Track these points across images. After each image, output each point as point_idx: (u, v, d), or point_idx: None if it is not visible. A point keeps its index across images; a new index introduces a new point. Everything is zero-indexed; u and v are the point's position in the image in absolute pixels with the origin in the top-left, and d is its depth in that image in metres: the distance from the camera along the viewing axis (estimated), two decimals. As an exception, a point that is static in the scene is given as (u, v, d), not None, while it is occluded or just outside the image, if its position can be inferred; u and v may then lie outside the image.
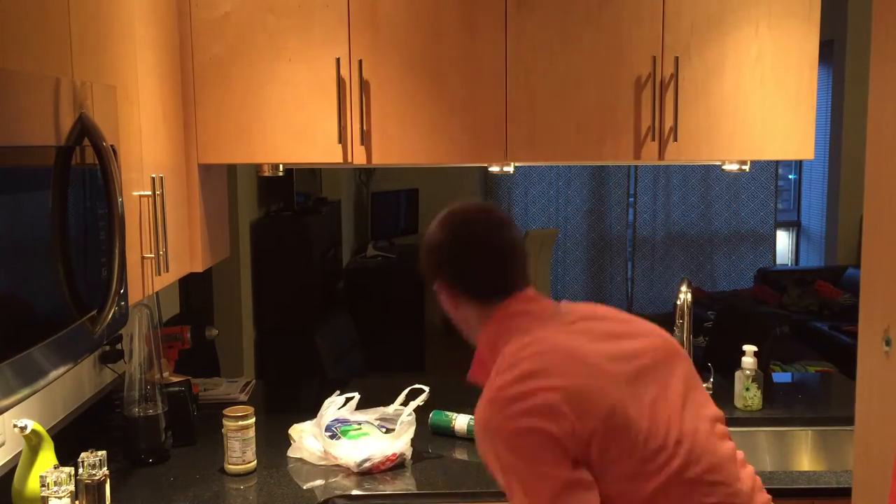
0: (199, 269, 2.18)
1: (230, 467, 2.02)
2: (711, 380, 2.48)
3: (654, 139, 2.25)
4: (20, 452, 1.70)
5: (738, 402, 2.42)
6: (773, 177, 7.13)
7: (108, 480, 1.69)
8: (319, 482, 1.98)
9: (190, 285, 3.40)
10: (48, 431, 1.73)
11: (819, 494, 1.94)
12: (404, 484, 1.98)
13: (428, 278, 1.54)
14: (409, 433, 2.09)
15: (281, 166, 2.31)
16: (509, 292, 1.49)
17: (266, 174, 2.31)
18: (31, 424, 1.64)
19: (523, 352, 1.39)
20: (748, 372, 2.41)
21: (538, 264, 6.59)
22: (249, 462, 2.03)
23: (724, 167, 2.39)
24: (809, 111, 2.26)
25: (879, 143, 1.18)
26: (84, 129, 1.30)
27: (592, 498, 1.29)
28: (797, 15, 2.24)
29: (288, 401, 2.75)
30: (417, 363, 5.90)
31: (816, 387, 2.90)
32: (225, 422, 2.02)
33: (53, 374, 1.19)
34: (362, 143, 2.20)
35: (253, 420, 2.03)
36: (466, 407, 2.49)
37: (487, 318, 1.51)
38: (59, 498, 1.54)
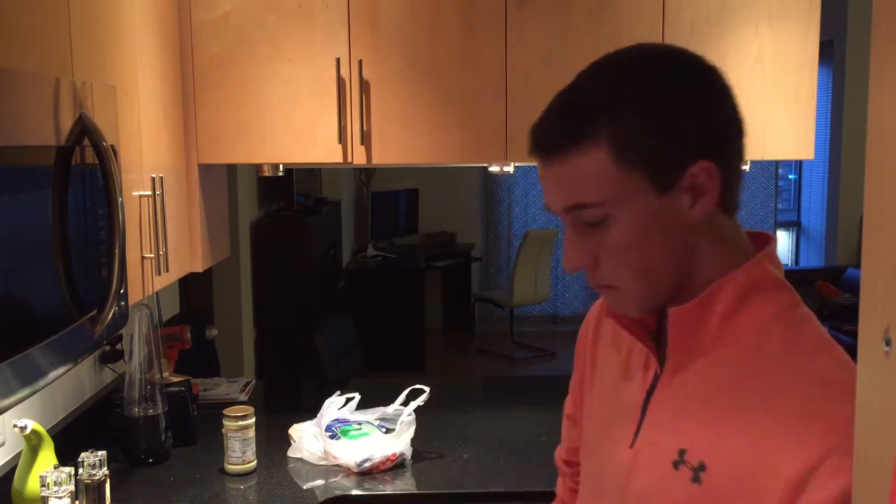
0: (199, 269, 2.18)
1: (230, 467, 2.02)
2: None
3: (654, 139, 2.24)
4: (20, 452, 1.70)
5: (738, 402, 2.42)
6: (773, 177, 7.13)
7: (108, 480, 1.69)
8: (319, 482, 1.98)
9: (190, 285, 3.41)
10: (48, 431, 1.73)
11: (819, 494, 1.94)
12: (404, 484, 1.98)
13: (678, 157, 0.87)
14: (409, 433, 2.09)
15: (281, 166, 2.31)
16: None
17: (266, 174, 2.31)
18: (31, 424, 1.65)
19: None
20: (748, 372, 2.40)
21: (538, 264, 6.60)
22: (249, 462, 2.03)
23: (724, 167, 2.39)
24: (809, 111, 2.26)
25: (879, 142, 1.18)
26: (84, 129, 1.30)
27: None
28: (797, 15, 2.24)
29: (288, 401, 2.75)
30: (417, 363, 5.91)
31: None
32: (225, 422, 2.02)
33: (53, 374, 1.19)
34: (362, 143, 2.20)
35: (253, 420, 2.04)
36: (467, 406, 2.49)
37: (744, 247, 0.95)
38: (59, 498, 1.54)
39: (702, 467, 0.85)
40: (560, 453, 1.28)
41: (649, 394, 0.96)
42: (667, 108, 0.86)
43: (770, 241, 0.97)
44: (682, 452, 0.88)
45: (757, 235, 0.98)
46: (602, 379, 1.08)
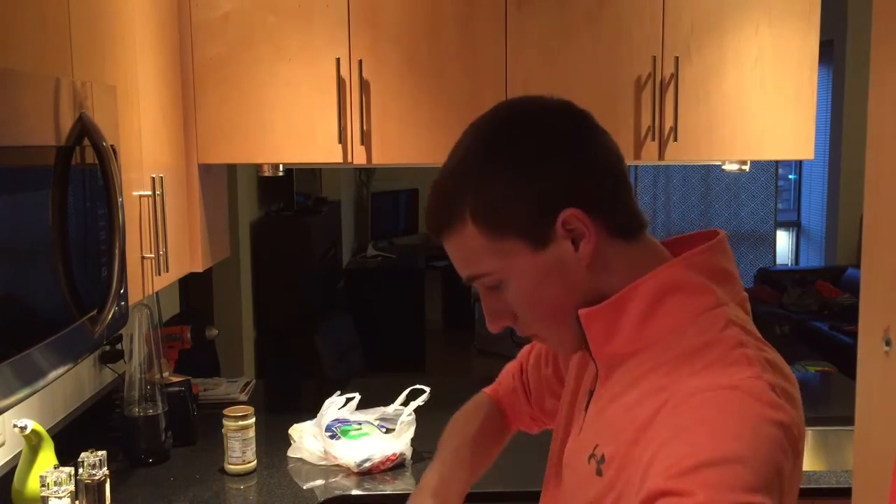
0: (199, 269, 2.18)
1: (230, 467, 2.02)
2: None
3: (654, 139, 2.24)
4: (20, 452, 1.70)
5: (738, 402, 2.42)
6: (773, 177, 7.13)
7: (108, 480, 1.69)
8: (319, 482, 1.98)
9: (190, 285, 3.40)
10: (48, 431, 1.73)
11: (819, 494, 1.94)
12: (404, 484, 1.98)
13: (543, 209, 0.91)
14: (409, 433, 2.09)
15: (281, 166, 2.31)
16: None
17: (266, 174, 2.31)
18: (31, 424, 1.64)
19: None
20: (748, 372, 2.40)
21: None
22: (249, 462, 2.03)
23: (724, 167, 2.39)
24: (809, 111, 2.26)
25: (879, 142, 1.18)
26: (84, 129, 1.30)
27: None
28: (797, 15, 2.24)
29: (288, 401, 2.75)
30: (417, 363, 5.91)
31: (816, 387, 2.90)
32: (225, 422, 2.02)
33: (53, 374, 1.19)
34: (362, 143, 2.20)
35: (253, 420, 2.03)
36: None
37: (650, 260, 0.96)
38: (59, 498, 1.54)
39: (602, 460, 0.90)
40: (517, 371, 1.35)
41: (591, 395, 1.01)
42: (520, 172, 0.91)
43: (707, 238, 0.98)
44: (595, 447, 0.93)
45: (696, 237, 1.00)
46: (568, 380, 1.14)
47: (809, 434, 2.41)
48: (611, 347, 0.94)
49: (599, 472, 0.90)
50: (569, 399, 1.11)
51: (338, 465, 2.03)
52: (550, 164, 0.91)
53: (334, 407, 2.16)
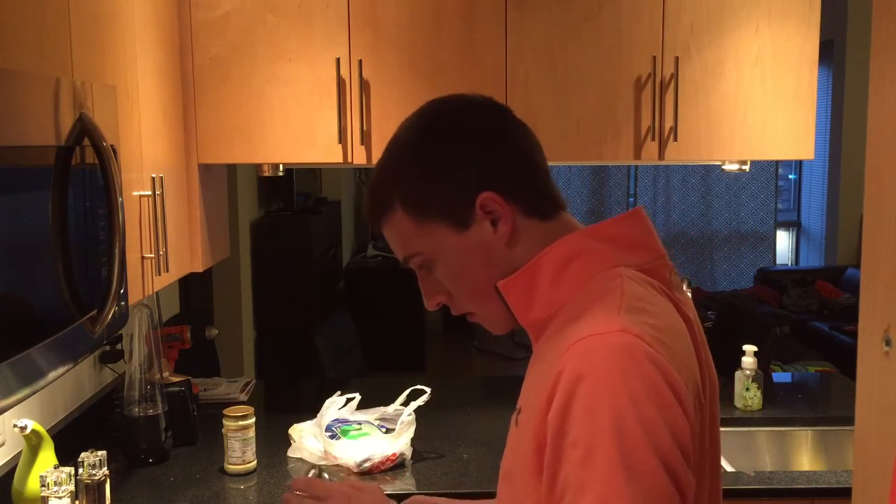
0: (199, 269, 2.18)
1: (230, 467, 2.02)
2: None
3: (654, 139, 2.25)
4: (20, 452, 1.70)
5: (738, 402, 2.42)
6: (773, 177, 7.13)
7: (108, 480, 1.69)
8: (319, 482, 1.98)
9: (190, 285, 3.41)
10: (48, 431, 1.73)
11: (819, 494, 1.94)
12: (404, 484, 1.98)
13: (460, 192, 1.01)
14: (409, 433, 2.09)
15: (281, 166, 2.31)
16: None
17: (266, 174, 2.31)
18: (31, 424, 1.64)
19: None
20: (748, 372, 2.41)
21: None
22: (249, 462, 2.03)
23: (724, 167, 2.39)
24: (809, 111, 2.26)
25: (879, 142, 1.18)
26: (84, 129, 1.30)
27: None
28: (797, 15, 2.24)
29: (288, 401, 2.75)
30: (417, 363, 5.90)
31: (816, 387, 2.90)
32: (225, 422, 2.02)
33: (53, 374, 1.19)
34: (362, 143, 2.20)
35: (253, 420, 2.04)
36: (467, 406, 2.49)
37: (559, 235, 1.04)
38: (59, 498, 1.54)
39: (519, 411, 1.00)
40: None
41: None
42: (438, 167, 1.02)
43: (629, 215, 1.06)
44: (518, 406, 1.01)
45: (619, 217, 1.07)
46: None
47: (809, 434, 2.41)
48: (532, 314, 1.02)
49: (517, 423, 0.98)
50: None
51: (338, 465, 2.03)
52: (462, 156, 1.01)
53: (334, 407, 2.16)
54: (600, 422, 0.84)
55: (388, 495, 1.23)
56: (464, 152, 1.02)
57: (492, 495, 1.14)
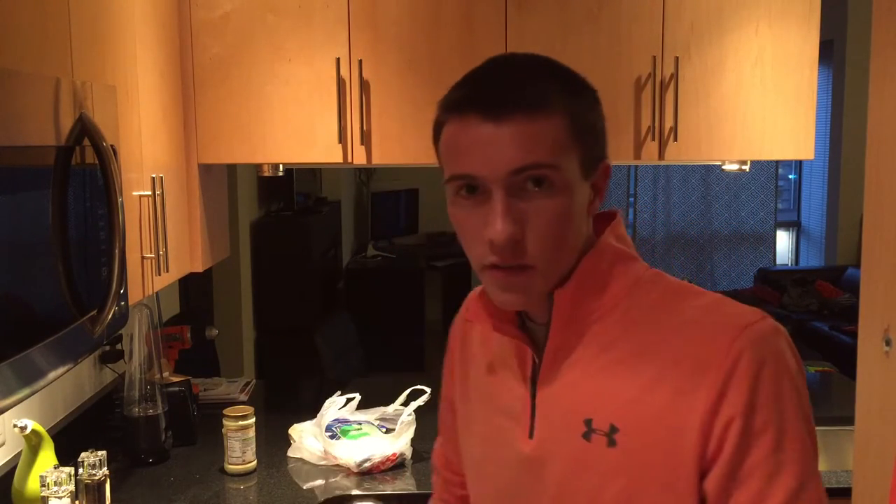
0: (199, 269, 2.18)
1: (230, 467, 2.02)
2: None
3: (654, 139, 2.25)
4: (20, 452, 1.70)
5: (738, 402, 2.42)
6: (773, 177, 7.13)
7: (108, 480, 1.69)
8: (319, 482, 1.98)
9: (190, 285, 3.41)
10: (48, 431, 1.73)
11: (819, 494, 1.94)
12: (404, 484, 1.98)
13: (593, 155, 0.96)
14: (409, 433, 2.09)
15: (281, 166, 2.31)
16: None
17: (266, 174, 2.31)
18: (31, 424, 1.64)
19: None
20: (748, 372, 2.40)
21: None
22: (249, 462, 2.03)
23: (724, 167, 2.39)
24: (809, 111, 2.26)
25: (879, 142, 1.18)
26: (84, 129, 1.30)
27: None
28: (797, 15, 2.24)
29: (288, 401, 2.75)
30: (417, 363, 5.90)
31: (816, 387, 2.90)
32: (225, 422, 2.02)
33: (53, 374, 1.19)
34: (362, 143, 2.20)
35: (253, 420, 2.04)
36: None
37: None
38: (59, 498, 1.54)
39: (613, 430, 0.89)
40: (440, 452, 1.28)
41: (534, 383, 0.98)
42: (595, 108, 0.98)
43: (612, 217, 1.03)
44: (588, 423, 0.91)
45: (599, 216, 1.03)
46: (478, 395, 1.08)
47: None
48: (570, 323, 0.95)
49: (613, 443, 0.89)
50: (483, 414, 1.06)
51: (338, 465, 2.03)
52: (603, 120, 0.99)
53: (334, 407, 2.16)
54: (786, 404, 0.86)
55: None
56: (601, 112, 0.99)
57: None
